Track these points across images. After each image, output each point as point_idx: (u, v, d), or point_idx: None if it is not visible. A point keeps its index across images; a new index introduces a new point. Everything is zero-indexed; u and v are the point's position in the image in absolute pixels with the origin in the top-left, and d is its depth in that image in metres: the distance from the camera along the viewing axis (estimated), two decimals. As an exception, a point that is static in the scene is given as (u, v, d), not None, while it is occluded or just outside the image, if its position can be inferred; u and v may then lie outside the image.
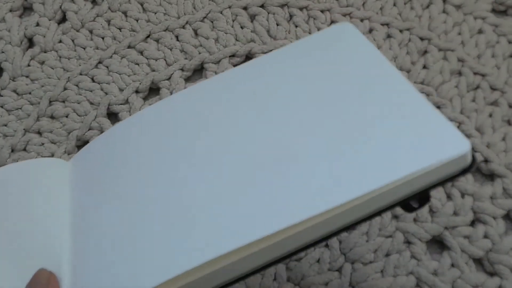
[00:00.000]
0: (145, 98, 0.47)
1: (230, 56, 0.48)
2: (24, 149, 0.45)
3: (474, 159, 0.25)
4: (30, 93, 0.47)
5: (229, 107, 0.27)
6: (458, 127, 0.44)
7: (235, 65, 0.48)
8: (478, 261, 0.40)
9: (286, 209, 0.21)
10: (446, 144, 0.23)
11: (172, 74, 0.47)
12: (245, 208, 0.22)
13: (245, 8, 0.50)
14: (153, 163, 0.25)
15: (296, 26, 0.48)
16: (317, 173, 0.22)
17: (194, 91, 0.29)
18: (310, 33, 0.48)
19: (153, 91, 0.48)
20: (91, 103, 0.47)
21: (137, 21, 0.50)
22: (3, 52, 0.49)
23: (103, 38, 0.50)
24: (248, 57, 0.48)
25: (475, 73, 0.45)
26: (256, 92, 0.27)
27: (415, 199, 0.24)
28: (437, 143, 0.23)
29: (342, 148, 0.23)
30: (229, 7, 0.50)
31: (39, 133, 0.46)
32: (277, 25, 0.49)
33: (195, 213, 0.22)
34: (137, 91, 0.47)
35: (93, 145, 0.30)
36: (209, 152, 0.25)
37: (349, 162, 0.22)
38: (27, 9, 0.53)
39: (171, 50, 0.48)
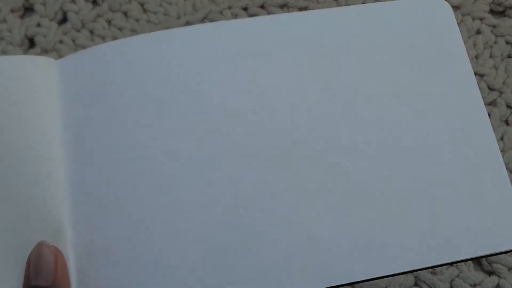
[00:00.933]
0: (145, 98, 0.47)
1: (230, 57, 0.48)
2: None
3: None
4: (31, 93, 0.48)
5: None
6: (457, 127, 0.44)
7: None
8: (477, 260, 0.40)
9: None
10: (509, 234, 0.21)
11: (172, 74, 0.47)
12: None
13: (245, 9, 0.50)
14: (171, 116, 0.20)
15: (296, 27, 0.49)
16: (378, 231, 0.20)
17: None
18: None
19: (154, 91, 0.48)
20: (92, 103, 0.47)
21: (137, 21, 0.50)
22: (4, 52, 0.49)
23: (103, 39, 0.50)
24: (248, 57, 0.48)
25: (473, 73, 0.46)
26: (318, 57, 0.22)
27: None
28: (503, 231, 0.21)
29: (405, 202, 0.20)
30: (229, 7, 0.50)
31: (40, 133, 0.46)
32: (277, 25, 0.49)
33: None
34: (137, 91, 0.47)
35: (96, 50, 0.24)
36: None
37: (413, 225, 0.20)
38: (28, 10, 0.53)
39: (171, 50, 0.49)
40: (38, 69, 0.23)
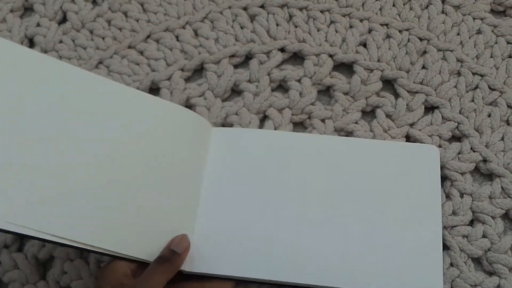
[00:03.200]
0: (145, 98, 0.47)
1: (230, 56, 0.48)
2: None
3: None
4: (30, 93, 0.47)
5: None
6: (457, 127, 0.44)
7: (235, 66, 0.48)
8: (477, 261, 0.40)
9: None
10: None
11: (172, 74, 0.47)
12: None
13: (245, 9, 0.50)
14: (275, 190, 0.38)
15: (296, 26, 0.49)
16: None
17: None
18: (310, 33, 0.48)
19: (153, 91, 0.48)
20: (92, 103, 0.47)
21: (137, 21, 0.50)
22: (3, 52, 0.49)
23: (103, 39, 0.50)
24: (248, 57, 0.48)
25: (474, 73, 0.45)
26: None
27: None
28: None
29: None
30: (229, 7, 0.50)
31: (40, 133, 0.46)
32: (277, 25, 0.49)
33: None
34: (137, 91, 0.47)
35: (240, 133, 0.41)
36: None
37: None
38: (27, 10, 0.53)
39: (171, 50, 0.49)
40: (200, 126, 0.40)
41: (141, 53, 0.49)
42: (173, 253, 0.34)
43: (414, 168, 0.38)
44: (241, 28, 0.49)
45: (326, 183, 0.37)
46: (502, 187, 0.41)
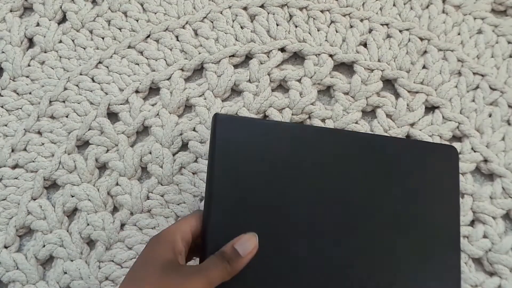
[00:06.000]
0: (145, 98, 0.47)
1: (230, 56, 0.48)
2: (24, 149, 0.45)
3: None
4: (30, 93, 0.47)
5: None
6: (458, 127, 0.44)
7: (235, 66, 0.48)
8: (478, 261, 0.40)
9: None
10: None
11: (172, 74, 0.47)
12: None
13: (245, 8, 0.50)
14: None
15: (296, 26, 0.48)
16: None
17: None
18: (310, 33, 0.48)
19: (153, 91, 0.48)
20: (91, 103, 0.47)
21: (137, 21, 0.50)
22: (3, 52, 0.49)
23: (103, 38, 0.50)
24: (248, 57, 0.48)
25: (474, 73, 0.45)
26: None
27: None
28: None
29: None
30: (229, 7, 0.50)
31: (39, 133, 0.46)
32: (277, 25, 0.49)
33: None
34: (137, 91, 0.47)
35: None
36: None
37: None
38: (27, 9, 0.53)
39: (171, 50, 0.48)
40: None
41: (141, 53, 0.49)
42: (235, 253, 0.29)
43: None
44: (241, 28, 0.49)
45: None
46: (503, 187, 0.41)
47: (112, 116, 0.47)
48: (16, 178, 0.44)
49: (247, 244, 0.29)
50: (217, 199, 0.31)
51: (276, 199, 0.32)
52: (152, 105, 0.46)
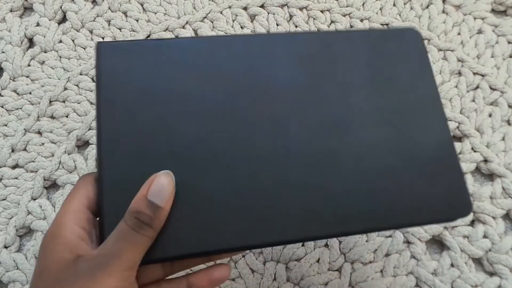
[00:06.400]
0: (145, 98, 0.47)
1: (230, 56, 0.48)
2: (25, 149, 0.45)
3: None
4: (30, 93, 0.47)
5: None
6: (458, 127, 0.44)
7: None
8: (478, 261, 0.40)
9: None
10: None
11: (172, 74, 0.47)
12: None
13: (245, 8, 0.50)
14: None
15: (296, 26, 0.48)
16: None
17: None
18: (310, 33, 0.48)
19: (153, 91, 0.48)
20: (91, 103, 0.47)
21: (137, 21, 0.50)
22: (3, 52, 0.49)
23: (103, 38, 0.50)
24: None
25: (474, 73, 0.45)
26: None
27: None
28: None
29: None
30: (229, 7, 0.50)
31: (39, 133, 0.46)
32: (277, 25, 0.49)
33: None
34: (137, 91, 0.47)
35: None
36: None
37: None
38: (27, 9, 0.53)
39: (171, 50, 0.48)
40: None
41: (141, 53, 0.49)
42: (151, 206, 0.21)
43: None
44: (241, 28, 0.49)
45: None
46: (503, 187, 0.41)
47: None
48: (16, 178, 0.44)
49: (163, 188, 0.22)
50: (109, 147, 0.24)
51: (185, 126, 0.25)
52: (152, 105, 0.46)
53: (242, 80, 0.26)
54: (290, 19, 0.49)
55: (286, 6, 0.49)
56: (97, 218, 0.24)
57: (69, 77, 0.47)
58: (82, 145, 0.46)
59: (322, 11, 0.49)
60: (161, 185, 0.22)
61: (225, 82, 0.26)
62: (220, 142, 0.25)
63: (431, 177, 0.26)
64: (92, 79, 0.48)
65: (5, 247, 0.42)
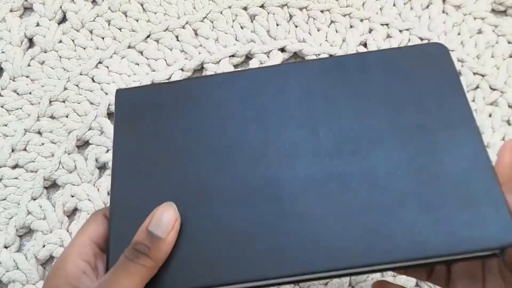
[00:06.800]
0: (145, 98, 0.47)
1: (230, 56, 0.48)
2: (25, 149, 0.45)
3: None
4: (30, 93, 0.47)
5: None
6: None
7: (235, 66, 0.48)
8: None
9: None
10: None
11: (172, 74, 0.47)
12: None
13: (245, 8, 0.50)
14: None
15: (296, 26, 0.48)
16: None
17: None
18: (310, 33, 0.48)
19: (153, 91, 0.48)
20: (91, 103, 0.47)
21: (137, 21, 0.50)
22: (3, 52, 0.49)
23: (103, 38, 0.50)
24: (248, 57, 0.48)
25: (474, 73, 0.45)
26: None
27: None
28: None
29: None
30: (229, 7, 0.50)
31: (39, 133, 0.46)
32: (277, 25, 0.49)
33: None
34: (137, 91, 0.47)
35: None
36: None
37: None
38: (27, 9, 0.53)
39: (171, 50, 0.48)
40: None
41: (141, 53, 0.49)
42: (151, 237, 0.22)
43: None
44: (241, 28, 0.49)
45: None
46: (502, 188, 0.41)
47: (112, 116, 0.47)
48: (16, 178, 0.44)
49: (165, 219, 0.22)
50: (119, 181, 0.25)
51: (190, 161, 0.25)
52: (152, 105, 0.46)
53: (252, 115, 0.26)
54: (290, 19, 0.49)
55: (286, 6, 0.49)
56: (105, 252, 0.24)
57: (69, 77, 0.47)
58: (82, 145, 0.46)
59: (322, 11, 0.49)
60: (162, 217, 0.22)
61: (235, 118, 0.26)
62: (228, 176, 0.25)
63: (469, 203, 0.23)
64: (93, 79, 0.48)
65: (5, 247, 0.42)
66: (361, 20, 0.48)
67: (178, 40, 0.49)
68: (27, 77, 0.48)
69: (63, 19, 0.52)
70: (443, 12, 0.49)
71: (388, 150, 0.25)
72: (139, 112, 0.27)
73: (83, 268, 0.23)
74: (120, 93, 0.28)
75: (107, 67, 0.48)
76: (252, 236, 0.23)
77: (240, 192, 0.24)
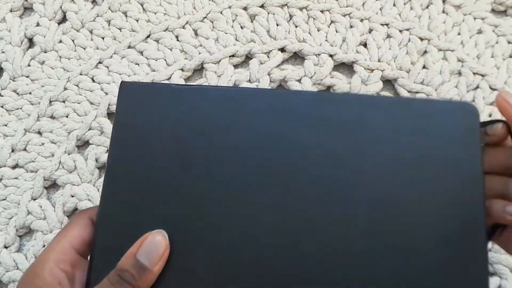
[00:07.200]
0: (145, 98, 0.47)
1: (230, 56, 0.48)
2: (24, 149, 0.45)
3: None
4: (30, 93, 0.47)
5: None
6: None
7: (235, 66, 0.48)
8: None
9: None
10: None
11: (172, 74, 0.47)
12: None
13: (245, 8, 0.50)
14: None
15: (296, 26, 0.48)
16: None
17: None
18: (310, 33, 0.48)
19: (153, 91, 0.48)
20: (91, 103, 0.47)
21: (137, 21, 0.50)
22: (3, 52, 0.49)
23: (103, 38, 0.50)
24: (248, 57, 0.48)
25: (474, 73, 0.45)
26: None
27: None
28: None
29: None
30: (229, 7, 0.50)
31: (39, 133, 0.46)
32: (277, 25, 0.49)
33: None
34: (137, 91, 0.47)
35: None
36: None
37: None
38: (27, 9, 0.53)
39: (171, 50, 0.48)
40: None
41: (141, 53, 0.49)
42: (138, 266, 0.21)
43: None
44: (241, 28, 0.49)
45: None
46: (502, 188, 0.41)
47: (112, 116, 0.47)
48: (16, 178, 0.44)
49: (153, 249, 0.21)
50: (111, 186, 0.24)
51: (188, 177, 0.24)
52: (152, 105, 0.46)
53: (255, 137, 0.25)
54: (290, 19, 0.49)
55: (286, 6, 0.49)
56: (87, 258, 0.23)
57: (69, 77, 0.47)
58: (82, 145, 0.46)
59: (322, 11, 0.49)
60: (152, 246, 0.21)
61: (236, 138, 0.25)
62: (221, 202, 0.24)
63: (454, 258, 0.23)
64: (93, 79, 0.48)
65: (5, 247, 0.42)
66: (361, 20, 0.48)
67: (178, 40, 0.49)
68: (27, 77, 0.48)
69: (63, 19, 0.52)
70: (443, 12, 0.49)
71: (397, 205, 0.24)
72: (142, 111, 0.25)
73: (60, 278, 0.22)
74: (125, 86, 0.26)
75: (107, 67, 0.48)
76: (244, 272, 0.23)
77: (238, 225, 0.23)
